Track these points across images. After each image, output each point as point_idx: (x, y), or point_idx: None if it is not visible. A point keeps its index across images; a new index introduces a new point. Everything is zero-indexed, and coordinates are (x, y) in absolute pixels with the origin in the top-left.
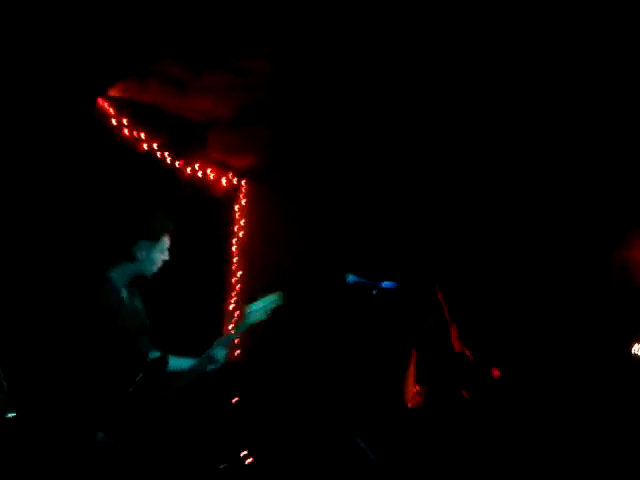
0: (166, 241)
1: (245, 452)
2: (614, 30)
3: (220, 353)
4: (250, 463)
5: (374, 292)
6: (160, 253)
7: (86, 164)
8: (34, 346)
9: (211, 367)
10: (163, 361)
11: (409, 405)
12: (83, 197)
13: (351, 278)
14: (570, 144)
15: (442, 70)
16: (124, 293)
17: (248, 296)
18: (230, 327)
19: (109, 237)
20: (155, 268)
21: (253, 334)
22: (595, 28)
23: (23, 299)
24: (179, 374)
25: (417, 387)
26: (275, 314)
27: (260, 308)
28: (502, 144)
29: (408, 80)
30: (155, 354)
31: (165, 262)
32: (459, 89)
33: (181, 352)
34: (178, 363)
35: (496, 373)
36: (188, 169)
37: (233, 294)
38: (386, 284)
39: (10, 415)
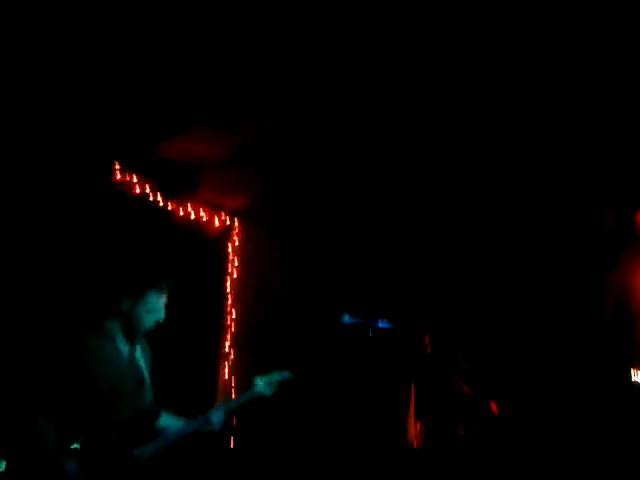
0: (154, 299)
1: None
2: (614, 30)
3: (217, 417)
4: None
5: (370, 332)
6: (146, 311)
7: (79, 208)
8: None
9: (206, 429)
10: (156, 415)
11: (414, 445)
12: (75, 241)
13: (347, 319)
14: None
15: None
16: (120, 343)
17: (244, 337)
18: (226, 369)
19: (101, 287)
20: (145, 324)
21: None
22: (595, 28)
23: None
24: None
25: (418, 424)
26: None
27: (267, 383)
28: (496, 161)
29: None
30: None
31: (159, 323)
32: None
33: (176, 400)
34: (171, 421)
35: (494, 407)
36: (181, 210)
37: (228, 334)
38: (382, 324)
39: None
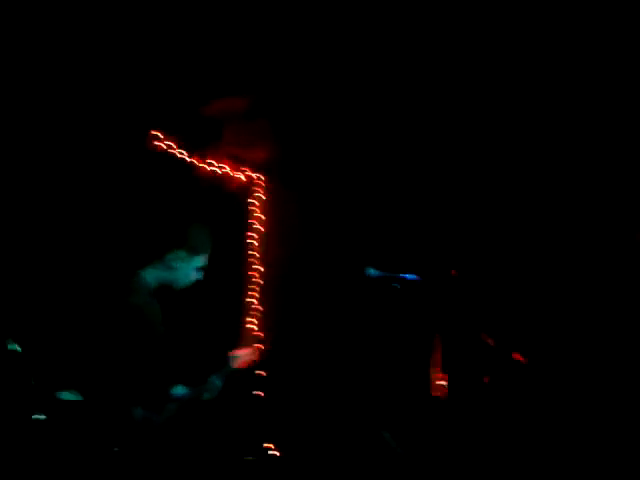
0: (203, 260)
1: (270, 445)
2: (614, 30)
3: (217, 383)
4: (275, 456)
5: (396, 285)
6: (194, 269)
7: (111, 165)
8: (59, 334)
9: (207, 396)
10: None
11: (436, 395)
12: (106, 195)
13: (373, 272)
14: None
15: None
16: (152, 293)
17: (271, 291)
18: (254, 322)
19: (145, 238)
20: (186, 282)
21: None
22: (595, 28)
23: (56, 289)
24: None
25: (444, 375)
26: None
27: (239, 358)
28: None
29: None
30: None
31: (197, 281)
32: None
33: (204, 355)
34: (179, 390)
35: (518, 357)
36: (205, 165)
37: (255, 289)
38: (407, 276)
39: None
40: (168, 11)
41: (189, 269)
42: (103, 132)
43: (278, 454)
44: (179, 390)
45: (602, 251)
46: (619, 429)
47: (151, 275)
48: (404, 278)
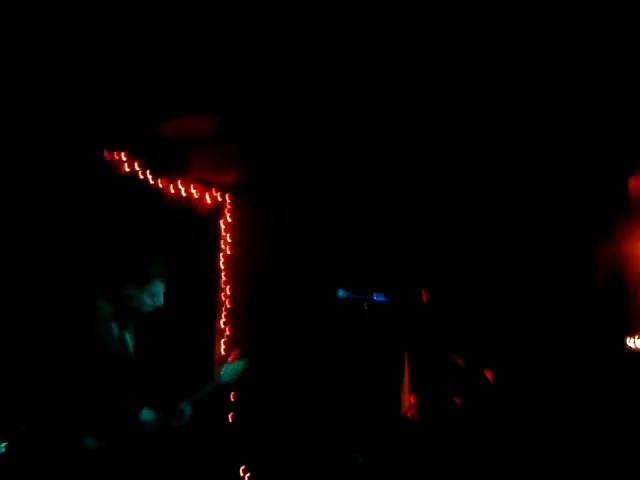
0: (157, 286)
1: (243, 468)
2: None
3: (186, 410)
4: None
5: (365, 306)
6: (149, 297)
7: (70, 190)
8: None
9: (176, 423)
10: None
11: (408, 415)
12: (64, 219)
13: (342, 293)
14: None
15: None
16: (112, 323)
17: (239, 313)
18: (222, 344)
19: (99, 267)
20: (145, 308)
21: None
22: (595, 28)
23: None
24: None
25: (412, 396)
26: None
27: (230, 370)
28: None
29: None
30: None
31: (157, 307)
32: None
33: (173, 378)
34: (148, 414)
35: (488, 375)
36: (171, 188)
37: (223, 310)
38: (377, 297)
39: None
40: (138, 27)
41: (141, 297)
42: (61, 151)
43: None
44: (146, 415)
45: (571, 271)
46: (595, 450)
47: (107, 305)
48: (372, 299)
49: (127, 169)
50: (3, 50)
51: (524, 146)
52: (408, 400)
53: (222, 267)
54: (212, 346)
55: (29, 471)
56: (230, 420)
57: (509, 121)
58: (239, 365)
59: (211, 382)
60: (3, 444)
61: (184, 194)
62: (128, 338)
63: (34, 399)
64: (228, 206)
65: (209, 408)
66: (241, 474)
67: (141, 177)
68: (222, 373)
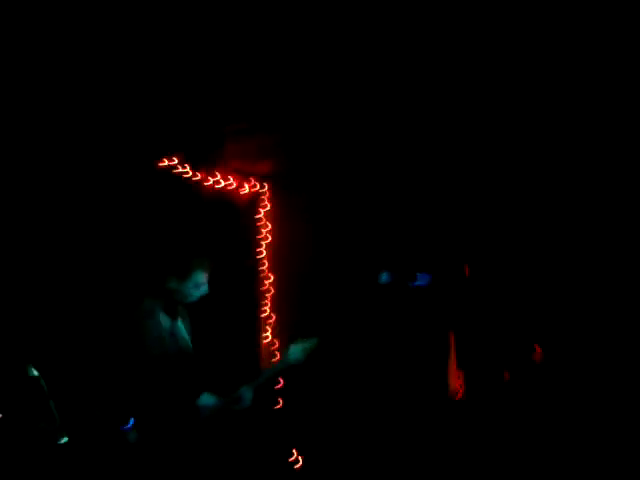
0: (200, 276)
1: (296, 451)
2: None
3: (247, 395)
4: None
5: (411, 286)
6: (193, 288)
7: (111, 185)
8: (70, 369)
9: (237, 407)
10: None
11: (456, 394)
12: (108, 214)
13: (385, 276)
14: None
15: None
16: (162, 318)
17: (282, 301)
18: (267, 333)
19: (142, 265)
20: (190, 299)
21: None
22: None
23: (59, 323)
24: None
25: (460, 374)
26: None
27: (299, 350)
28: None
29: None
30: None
31: (204, 295)
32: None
33: (221, 368)
34: (209, 400)
35: (538, 351)
36: (210, 179)
37: (266, 300)
38: (421, 277)
39: (63, 441)
40: (168, 23)
41: (185, 289)
42: (106, 150)
43: (300, 463)
44: (206, 400)
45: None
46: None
47: (152, 301)
48: (417, 279)
49: (165, 162)
50: (55, 59)
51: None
52: (456, 379)
53: (264, 255)
54: (257, 334)
55: (90, 461)
56: (281, 403)
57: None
58: (307, 345)
59: (278, 364)
60: (65, 438)
61: (223, 185)
62: (178, 330)
63: (95, 394)
64: (267, 195)
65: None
66: (294, 457)
67: (180, 170)
68: (290, 353)
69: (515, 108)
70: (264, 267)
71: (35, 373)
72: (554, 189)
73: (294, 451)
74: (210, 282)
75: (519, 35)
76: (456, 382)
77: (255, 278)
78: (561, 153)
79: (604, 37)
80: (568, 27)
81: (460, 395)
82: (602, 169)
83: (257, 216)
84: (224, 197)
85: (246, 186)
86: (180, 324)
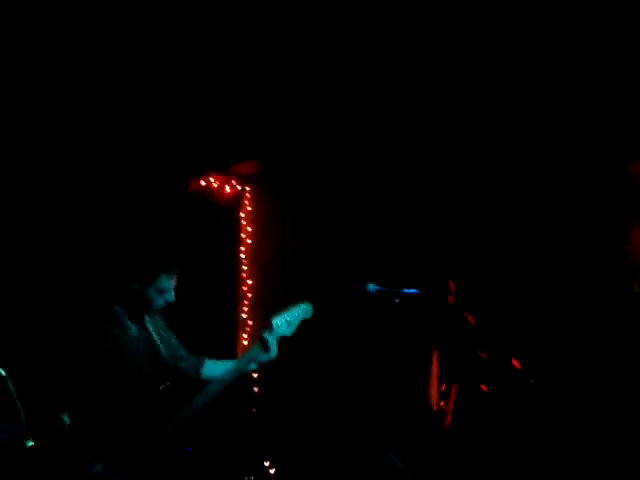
0: (165, 282)
1: (268, 463)
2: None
3: (273, 342)
4: (274, 474)
5: (396, 300)
6: (156, 293)
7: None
8: (39, 375)
9: (264, 359)
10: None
11: (434, 408)
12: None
13: (372, 287)
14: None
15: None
16: (129, 324)
17: (261, 304)
18: (245, 336)
19: (110, 271)
20: (153, 305)
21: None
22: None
23: (27, 327)
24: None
25: (442, 387)
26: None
27: (285, 322)
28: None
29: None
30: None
31: (167, 302)
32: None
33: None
34: (217, 366)
35: (516, 364)
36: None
37: (245, 303)
38: (408, 290)
39: (29, 444)
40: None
41: (150, 293)
42: (81, 147)
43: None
44: (213, 369)
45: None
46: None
47: (122, 306)
48: (404, 292)
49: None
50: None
51: (552, 126)
52: (437, 391)
53: (243, 258)
54: (235, 337)
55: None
56: (254, 414)
57: (537, 99)
58: (294, 314)
59: (267, 334)
60: (30, 442)
61: (203, 184)
62: (145, 337)
63: (60, 398)
64: (248, 196)
65: (234, 401)
66: (266, 468)
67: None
68: (277, 326)
69: (500, 122)
70: (243, 270)
71: (2, 373)
72: (538, 203)
73: (267, 464)
74: (187, 284)
75: (516, 35)
76: (436, 393)
77: (233, 281)
78: (544, 170)
79: (604, 37)
80: (568, 27)
81: (441, 405)
82: (588, 199)
83: (237, 217)
84: (204, 197)
85: (227, 186)
86: (150, 327)
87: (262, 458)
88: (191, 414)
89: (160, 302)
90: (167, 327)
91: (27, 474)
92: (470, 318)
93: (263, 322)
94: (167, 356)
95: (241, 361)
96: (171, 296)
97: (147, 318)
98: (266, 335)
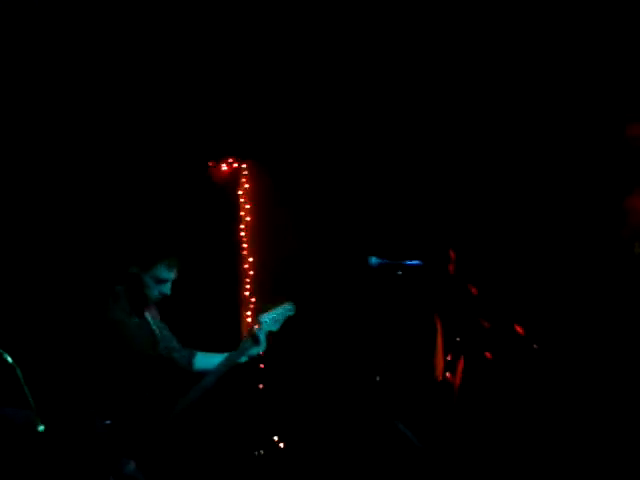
0: (162, 272)
1: (277, 438)
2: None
3: (262, 336)
4: (283, 448)
5: (399, 272)
6: (152, 281)
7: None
8: (42, 358)
9: (254, 351)
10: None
11: (439, 378)
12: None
13: (374, 260)
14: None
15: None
16: (129, 308)
17: (263, 281)
18: (248, 313)
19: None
20: (149, 292)
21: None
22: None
23: (31, 311)
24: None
25: (448, 357)
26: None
27: (272, 320)
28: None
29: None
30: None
31: (163, 294)
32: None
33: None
34: (208, 359)
35: (519, 330)
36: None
37: (247, 280)
38: (410, 262)
39: (40, 429)
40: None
41: (147, 280)
42: (76, 131)
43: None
44: (203, 361)
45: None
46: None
47: (123, 290)
48: (406, 264)
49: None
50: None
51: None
52: (442, 362)
53: (242, 236)
54: (239, 315)
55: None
56: (262, 389)
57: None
58: (280, 312)
59: (257, 330)
60: (41, 426)
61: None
62: (145, 322)
63: (67, 380)
64: (246, 173)
65: (240, 378)
66: (275, 443)
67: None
68: (265, 323)
69: (499, 101)
70: (243, 248)
71: (9, 360)
72: (540, 178)
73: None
74: (189, 266)
75: (513, 35)
76: (442, 364)
77: (234, 259)
78: (542, 136)
79: (604, 37)
80: (568, 27)
81: (447, 377)
82: (587, 163)
83: (236, 195)
84: (202, 175)
85: (224, 165)
86: (148, 318)
87: (271, 433)
88: (188, 403)
89: (155, 292)
90: (160, 320)
91: (41, 458)
92: (472, 287)
93: (264, 301)
94: (161, 347)
95: (233, 353)
96: (167, 289)
97: (146, 309)
98: (257, 331)
